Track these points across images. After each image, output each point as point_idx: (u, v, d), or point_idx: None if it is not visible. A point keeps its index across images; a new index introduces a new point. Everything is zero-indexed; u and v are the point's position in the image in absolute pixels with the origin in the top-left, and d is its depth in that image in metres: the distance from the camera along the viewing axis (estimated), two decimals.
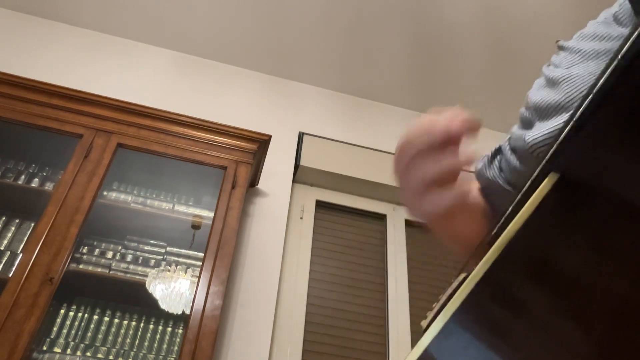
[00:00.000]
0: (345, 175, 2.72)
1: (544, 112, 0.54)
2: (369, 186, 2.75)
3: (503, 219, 0.30)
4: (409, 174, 0.51)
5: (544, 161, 0.27)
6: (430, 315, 0.43)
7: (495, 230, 0.31)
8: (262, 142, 2.31)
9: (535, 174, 0.27)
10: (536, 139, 0.51)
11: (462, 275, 0.42)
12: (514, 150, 0.60)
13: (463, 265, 0.50)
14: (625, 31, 0.52)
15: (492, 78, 2.93)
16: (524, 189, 0.28)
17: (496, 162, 0.65)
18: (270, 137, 2.32)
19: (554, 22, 2.59)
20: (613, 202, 0.26)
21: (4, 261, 1.95)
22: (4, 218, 2.11)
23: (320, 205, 2.74)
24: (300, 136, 2.82)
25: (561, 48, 0.61)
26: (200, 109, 2.58)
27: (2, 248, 2.02)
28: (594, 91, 0.23)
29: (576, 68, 0.52)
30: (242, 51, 2.93)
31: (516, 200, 0.29)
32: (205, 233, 2.05)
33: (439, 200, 0.50)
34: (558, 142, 0.25)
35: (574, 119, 0.24)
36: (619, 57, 0.22)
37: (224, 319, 2.11)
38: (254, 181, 2.46)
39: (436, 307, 0.43)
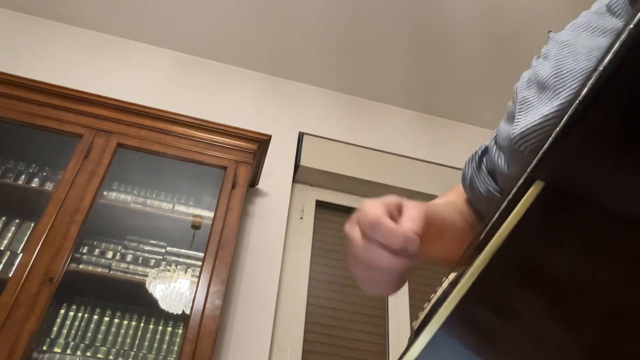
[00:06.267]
0: (345, 175, 2.72)
1: (529, 109, 0.53)
2: (369, 186, 2.75)
3: (490, 225, 0.30)
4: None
5: (528, 169, 0.27)
6: (422, 315, 0.43)
7: (482, 236, 0.31)
8: (262, 142, 2.31)
9: (521, 181, 0.27)
10: (523, 128, 0.50)
11: (453, 275, 0.42)
12: (500, 148, 0.59)
13: (453, 265, 0.50)
14: (618, 23, 0.51)
15: (493, 78, 2.92)
16: (510, 196, 0.28)
17: (484, 167, 0.64)
18: (270, 137, 2.32)
19: (555, 21, 2.59)
20: (598, 208, 0.26)
21: (4, 261, 1.95)
22: (4, 218, 2.12)
23: (320, 205, 2.74)
24: (300, 136, 2.82)
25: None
26: (200, 109, 2.58)
27: (2, 248, 2.02)
28: (578, 100, 0.23)
29: (566, 63, 0.50)
30: (242, 51, 2.93)
31: (502, 207, 0.29)
32: (205, 233, 2.05)
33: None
34: (543, 150, 0.25)
35: (558, 128, 0.24)
36: (601, 68, 0.21)
37: (224, 319, 2.11)
38: (254, 181, 2.46)
39: (427, 307, 0.43)
